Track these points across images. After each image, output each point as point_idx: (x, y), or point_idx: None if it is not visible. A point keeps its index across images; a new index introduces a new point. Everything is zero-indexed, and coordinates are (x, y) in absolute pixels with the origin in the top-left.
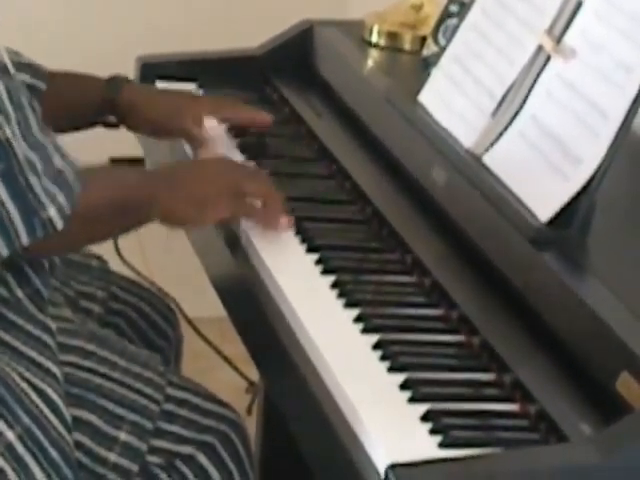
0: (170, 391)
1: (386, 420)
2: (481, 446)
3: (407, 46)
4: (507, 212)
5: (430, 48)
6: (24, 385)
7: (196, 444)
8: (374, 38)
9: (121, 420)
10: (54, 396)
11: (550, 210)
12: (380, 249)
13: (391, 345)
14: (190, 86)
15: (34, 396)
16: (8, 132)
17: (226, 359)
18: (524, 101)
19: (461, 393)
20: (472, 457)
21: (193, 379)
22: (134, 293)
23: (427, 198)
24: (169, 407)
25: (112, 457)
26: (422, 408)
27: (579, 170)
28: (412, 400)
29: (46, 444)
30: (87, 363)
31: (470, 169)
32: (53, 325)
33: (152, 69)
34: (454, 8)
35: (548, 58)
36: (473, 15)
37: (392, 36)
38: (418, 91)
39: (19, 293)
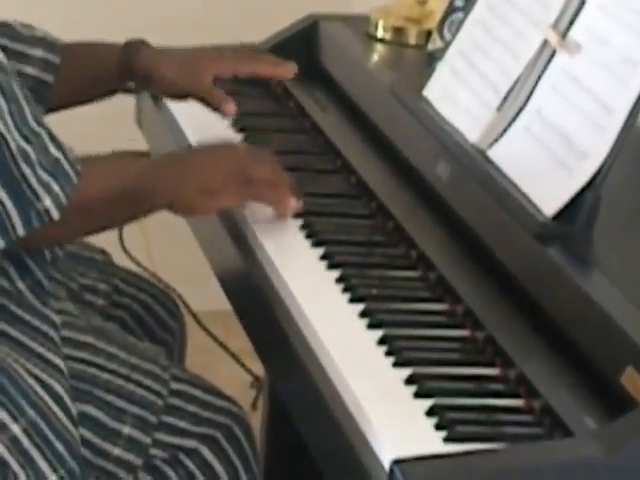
0: (174, 385)
1: (391, 415)
2: (486, 441)
3: (412, 41)
4: (512, 207)
5: (435, 43)
6: (28, 377)
7: (200, 438)
8: (379, 33)
9: (125, 414)
10: (59, 389)
11: (555, 205)
12: (385, 244)
13: (396, 340)
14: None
15: (39, 389)
16: (0, 124)
17: (231, 354)
18: (529, 96)
19: (466, 388)
20: (477, 452)
21: (197, 373)
22: (138, 287)
23: (432, 193)
24: (173, 401)
25: (116, 451)
26: (427, 403)
27: (584, 165)
28: (417, 395)
29: (52, 438)
30: (90, 357)
31: (475, 164)
32: (57, 318)
33: None
34: (459, 2)
35: (553, 53)
36: (478, 10)
37: (397, 31)
38: (423, 86)
39: (20, 285)
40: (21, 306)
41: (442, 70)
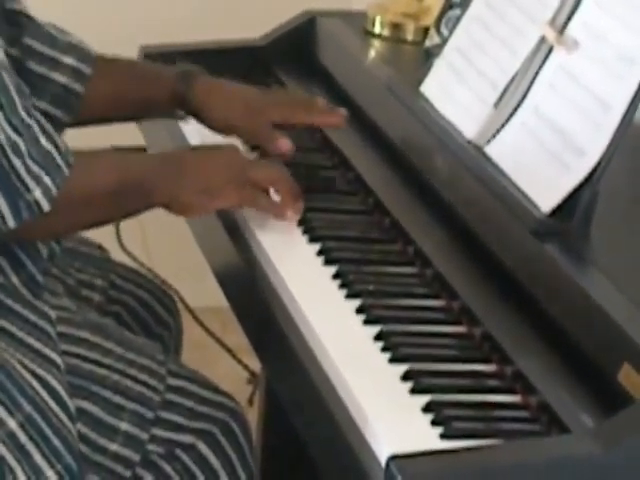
0: (170, 380)
1: (388, 411)
2: (482, 437)
3: (409, 37)
4: (509, 203)
5: (433, 39)
6: (24, 372)
7: (196, 433)
8: (377, 29)
9: (122, 410)
10: (55, 384)
11: (552, 201)
12: (382, 240)
13: (393, 336)
14: None
15: (35, 383)
16: None
17: (227, 350)
18: (526, 92)
19: (462, 384)
20: (473, 448)
21: (193, 369)
22: (134, 282)
23: (429, 189)
24: (169, 396)
25: (113, 447)
26: (423, 399)
27: (581, 161)
28: (413, 391)
29: (48, 432)
30: (86, 352)
31: (472, 160)
32: (52, 313)
33: (154, 59)
34: None
35: (551, 49)
36: (476, 6)
37: (394, 27)
38: (420, 82)
39: (14, 279)
40: (17, 301)
41: (439, 66)
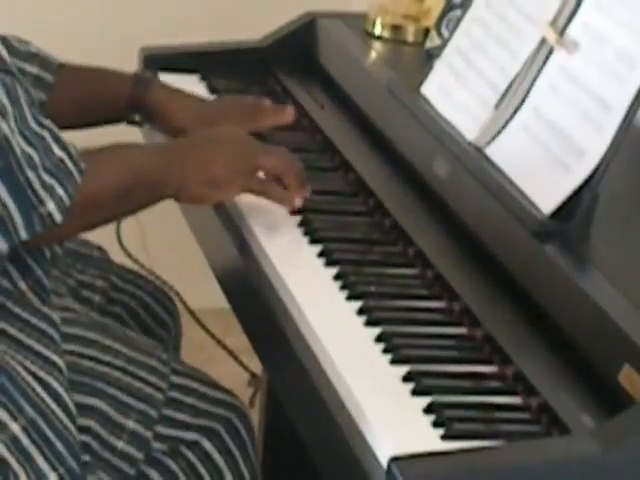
0: (174, 378)
1: (389, 412)
2: (483, 438)
3: (410, 38)
4: (510, 204)
5: (433, 40)
6: (28, 377)
7: (200, 430)
8: (377, 30)
9: (129, 408)
10: (58, 388)
11: (553, 203)
12: (383, 241)
13: (394, 337)
14: (193, 78)
15: (38, 388)
16: (6, 129)
17: (228, 351)
18: (527, 93)
19: (464, 385)
20: (474, 449)
21: (195, 367)
22: (134, 283)
23: (430, 190)
24: (174, 395)
25: (120, 445)
26: (425, 400)
27: (582, 163)
28: (415, 392)
29: (51, 436)
30: (91, 352)
31: (473, 161)
32: (56, 316)
33: (155, 60)
34: (457, 0)
35: (551, 50)
36: (476, 7)
37: (395, 28)
38: (421, 83)
39: (22, 285)
40: (20, 305)
41: (440, 68)
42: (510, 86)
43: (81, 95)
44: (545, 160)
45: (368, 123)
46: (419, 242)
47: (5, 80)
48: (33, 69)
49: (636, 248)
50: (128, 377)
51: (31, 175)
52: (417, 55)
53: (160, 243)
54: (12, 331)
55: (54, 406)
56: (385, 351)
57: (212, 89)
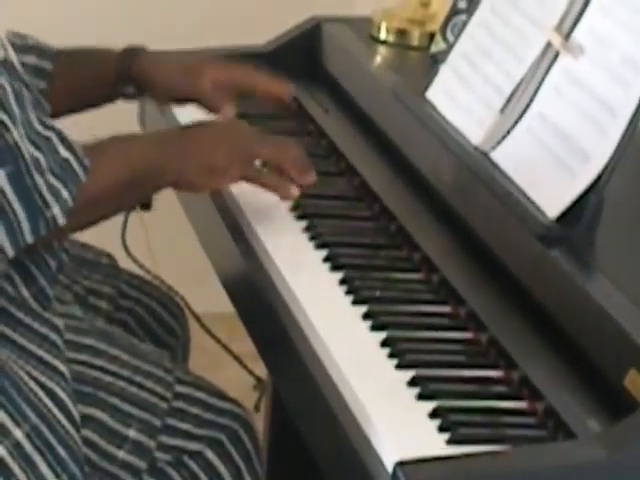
0: (178, 388)
1: (394, 417)
2: (489, 443)
3: (415, 43)
4: (515, 209)
5: (438, 45)
6: (31, 383)
7: (204, 440)
8: (382, 35)
9: (130, 418)
10: (62, 394)
11: (558, 207)
12: (388, 246)
13: (399, 342)
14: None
15: (42, 394)
16: (15, 135)
17: (234, 356)
18: (532, 98)
19: (469, 390)
20: (480, 454)
21: (201, 376)
22: (142, 290)
23: (435, 195)
24: (177, 404)
25: (121, 455)
26: (430, 405)
27: (587, 167)
28: (420, 397)
29: (54, 442)
30: (96, 361)
31: (478, 166)
32: (60, 323)
33: None
34: (462, 5)
35: (556, 55)
36: (481, 12)
37: (400, 33)
38: (426, 88)
39: (25, 292)
40: (24, 312)
41: (445, 72)
42: (515, 90)
43: (75, 78)
44: (550, 164)
45: (373, 127)
46: (424, 247)
47: (14, 85)
48: (32, 59)
49: None
50: (133, 387)
51: (38, 179)
52: (422, 60)
53: (165, 248)
54: (14, 336)
55: (57, 412)
56: (390, 356)
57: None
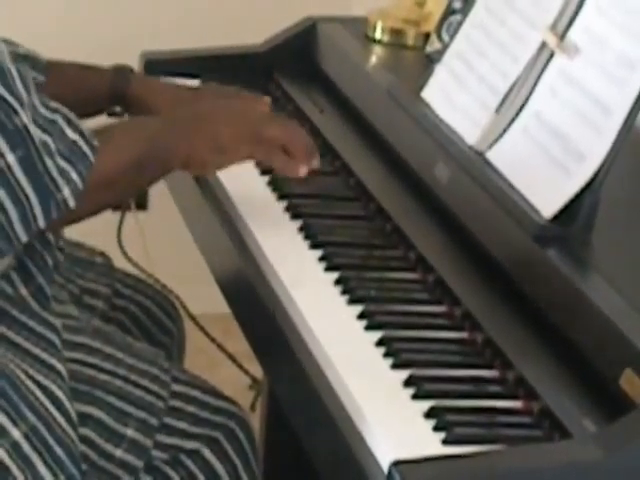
0: (175, 387)
1: (390, 417)
2: (485, 443)
3: (410, 42)
4: (511, 208)
5: (433, 44)
6: (29, 383)
7: (201, 439)
8: (377, 34)
9: (128, 416)
10: (59, 393)
11: (554, 207)
12: (383, 246)
13: (395, 342)
14: (193, 83)
15: (39, 393)
16: (24, 118)
17: (229, 356)
18: (528, 97)
19: (465, 390)
20: (475, 454)
21: (197, 374)
22: (137, 289)
23: (430, 194)
24: (174, 403)
25: (119, 453)
26: (426, 405)
27: (583, 167)
28: (416, 397)
29: (51, 442)
30: (92, 360)
31: (473, 165)
32: (57, 322)
33: (156, 65)
34: (457, 5)
35: (552, 54)
36: (476, 12)
37: (395, 32)
38: (421, 87)
39: (23, 291)
40: (22, 311)
41: (440, 72)
42: (511, 90)
43: (66, 92)
44: (546, 164)
45: (369, 127)
46: (420, 246)
47: (20, 69)
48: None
49: (638, 252)
50: (129, 385)
51: (49, 162)
52: (417, 59)
53: (161, 248)
54: (11, 335)
55: (54, 412)
56: (386, 355)
57: None
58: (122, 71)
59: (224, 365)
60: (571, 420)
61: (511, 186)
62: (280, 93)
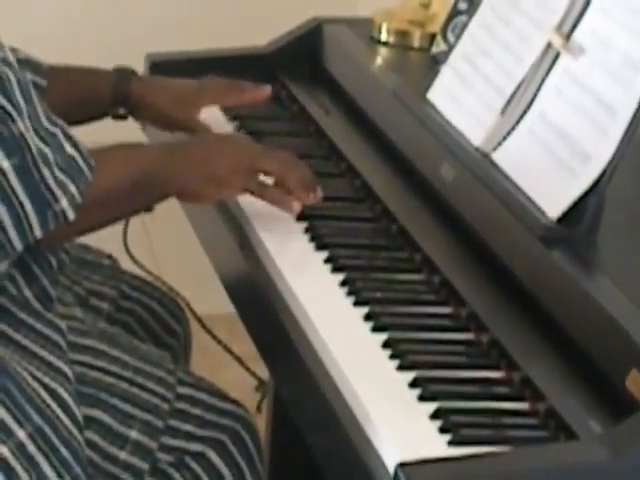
0: (180, 389)
1: (395, 418)
2: (490, 444)
3: (416, 44)
4: (516, 210)
5: (439, 46)
6: (35, 384)
7: (206, 441)
8: (383, 36)
9: (132, 419)
10: (65, 395)
11: (559, 208)
12: (389, 247)
13: (400, 343)
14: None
15: (45, 395)
16: (21, 126)
17: (235, 357)
18: (533, 98)
19: (470, 391)
20: (481, 455)
21: (202, 377)
22: (143, 291)
23: (436, 196)
24: (179, 405)
25: (123, 455)
26: (431, 406)
27: (588, 167)
28: (422, 398)
29: (57, 443)
30: (98, 362)
31: (479, 167)
32: (63, 324)
33: (161, 66)
34: (463, 6)
35: (557, 55)
36: (482, 13)
37: (401, 34)
38: (427, 89)
39: (27, 292)
40: (29, 313)
41: (446, 73)
42: (516, 91)
43: (69, 96)
44: (551, 165)
45: (374, 129)
46: (425, 248)
47: (19, 77)
48: (27, 75)
49: None
50: (135, 388)
51: (46, 172)
52: (423, 60)
53: (167, 249)
54: (17, 337)
55: (60, 413)
56: (392, 357)
57: None
58: (124, 72)
59: (230, 366)
60: (577, 421)
61: (517, 187)
62: (285, 94)
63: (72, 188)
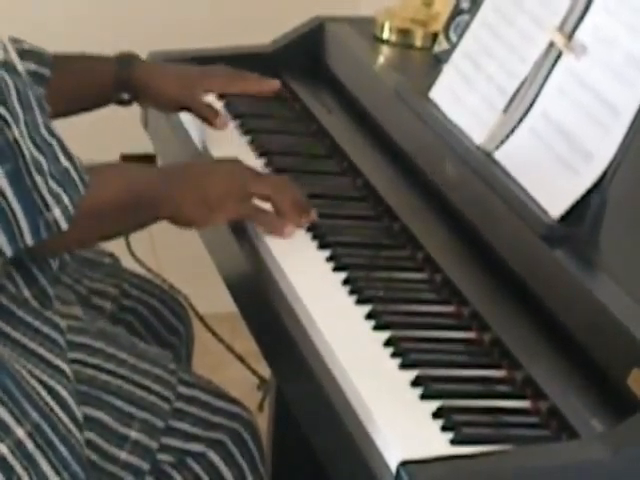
0: (181, 389)
1: (397, 417)
2: (492, 443)
3: (418, 42)
4: (518, 208)
5: (441, 44)
6: (33, 382)
7: (207, 442)
8: (385, 35)
9: (131, 418)
10: (63, 393)
11: (561, 206)
12: (391, 246)
13: (402, 342)
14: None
15: (43, 393)
16: (16, 132)
17: (237, 355)
18: (535, 97)
19: (472, 390)
20: (483, 454)
21: (204, 375)
22: (145, 290)
23: (438, 194)
24: (180, 405)
25: (122, 455)
26: (433, 405)
27: (590, 166)
28: (423, 397)
29: (56, 441)
30: (96, 361)
31: (481, 165)
32: (62, 322)
33: None
34: (465, 4)
35: (559, 54)
36: (484, 11)
37: (403, 32)
38: (429, 87)
39: (26, 292)
40: (26, 311)
41: (448, 72)
42: (518, 90)
43: (73, 84)
44: (553, 164)
45: (376, 127)
46: (427, 246)
47: (18, 84)
48: (31, 65)
49: None
50: (130, 385)
51: (39, 180)
52: (425, 59)
53: (169, 248)
54: (16, 335)
55: (59, 411)
56: (394, 355)
57: (221, 94)
58: (126, 58)
59: (232, 365)
60: (579, 420)
61: (519, 186)
62: (288, 93)
63: (65, 199)
